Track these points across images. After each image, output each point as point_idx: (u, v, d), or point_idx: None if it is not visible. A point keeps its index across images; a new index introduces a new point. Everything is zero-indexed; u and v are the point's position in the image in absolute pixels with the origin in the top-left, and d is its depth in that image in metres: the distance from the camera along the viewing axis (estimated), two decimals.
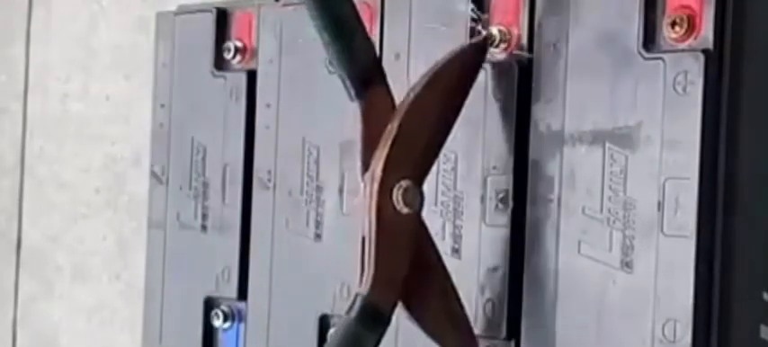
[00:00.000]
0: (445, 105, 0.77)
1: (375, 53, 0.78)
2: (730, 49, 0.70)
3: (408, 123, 0.75)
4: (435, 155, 0.77)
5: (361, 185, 0.76)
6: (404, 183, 0.75)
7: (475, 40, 0.78)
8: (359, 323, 0.74)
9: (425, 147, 0.76)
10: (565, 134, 0.76)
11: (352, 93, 0.76)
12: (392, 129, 0.75)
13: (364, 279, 0.74)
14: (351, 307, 0.74)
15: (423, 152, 0.76)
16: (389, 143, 0.75)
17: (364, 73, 0.76)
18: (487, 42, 0.78)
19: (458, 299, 0.77)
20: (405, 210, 0.75)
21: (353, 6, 0.76)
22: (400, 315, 0.78)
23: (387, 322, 0.74)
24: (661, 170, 0.71)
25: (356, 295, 0.74)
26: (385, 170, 0.74)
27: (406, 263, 0.75)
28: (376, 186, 0.74)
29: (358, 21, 0.76)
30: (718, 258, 0.70)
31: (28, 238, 1.37)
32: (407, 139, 0.75)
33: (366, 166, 0.76)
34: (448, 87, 0.77)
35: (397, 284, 0.75)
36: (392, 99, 0.77)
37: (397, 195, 0.74)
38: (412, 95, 0.76)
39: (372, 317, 0.74)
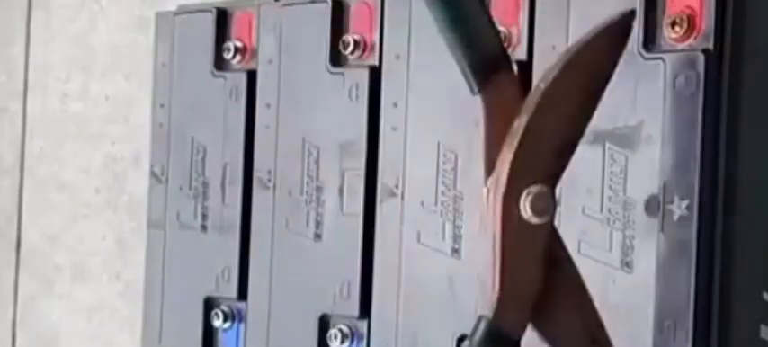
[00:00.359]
0: (584, 92, 0.66)
1: (499, 38, 0.68)
2: (730, 49, 0.70)
3: (540, 117, 0.65)
4: (571, 151, 0.67)
5: (484, 191, 0.67)
6: (534, 189, 0.65)
7: (622, 13, 0.67)
8: None
9: (560, 145, 0.66)
10: None
11: (474, 85, 0.67)
12: (520, 124, 0.65)
13: (489, 299, 0.66)
14: (474, 332, 0.66)
15: (557, 150, 0.66)
16: (517, 142, 0.65)
17: (487, 61, 0.67)
18: (634, 17, 0.67)
19: (597, 317, 0.68)
20: (534, 220, 0.65)
21: None
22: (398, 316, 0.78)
23: None
24: (661, 170, 0.71)
25: (480, 318, 0.66)
26: (512, 174, 0.65)
27: (538, 281, 0.66)
28: (501, 193, 0.65)
29: (478, 5, 0.67)
30: (718, 258, 0.70)
31: (28, 238, 1.37)
32: (538, 136, 0.65)
33: (490, 169, 0.66)
34: (588, 72, 0.66)
35: (526, 305, 0.66)
36: (520, 89, 0.67)
37: (525, 203, 0.65)
38: (544, 84, 0.66)
39: (498, 344, 0.66)
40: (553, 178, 0.66)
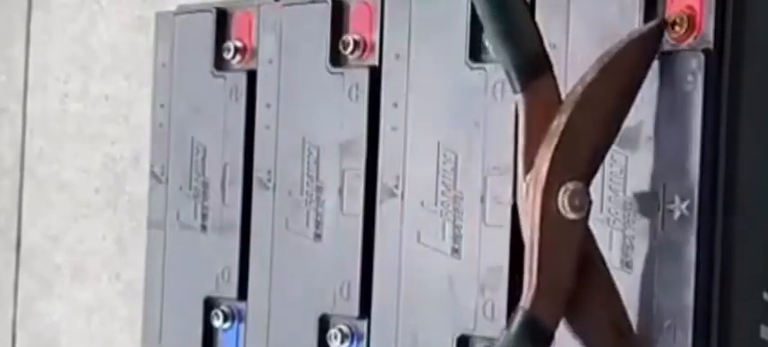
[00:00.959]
0: (618, 97, 0.70)
1: (542, 40, 0.71)
2: (730, 49, 0.70)
3: (577, 118, 0.69)
4: (605, 152, 0.71)
5: (523, 187, 0.70)
6: (571, 186, 0.68)
7: (652, 23, 0.72)
8: (519, 339, 0.68)
9: (596, 144, 0.70)
10: None
11: (517, 85, 0.70)
12: (559, 124, 0.69)
13: (526, 291, 0.69)
14: (510, 322, 0.69)
15: (593, 149, 0.70)
16: (556, 141, 0.68)
17: (530, 62, 0.70)
18: (664, 26, 0.72)
19: (624, 313, 0.71)
20: (571, 216, 0.68)
21: None
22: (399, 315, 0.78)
23: (549, 340, 0.69)
24: (661, 170, 0.71)
25: (517, 308, 0.69)
26: (551, 170, 0.68)
27: (572, 275, 0.69)
28: (541, 188, 0.68)
29: (523, 4, 0.71)
30: (718, 258, 0.70)
31: (28, 238, 1.37)
32: (576, 135, 0.69)
33: (528, 167, 0.70)
34: (622, 77, 0.70)
35: (561, 297, 0.69)
36: (558, 91, 0.71)
37: (563, 198, 0.68)
38: (581, 87, 0.69)
39: (534, 334, 0.68)
40: (588, 176, 0.69)
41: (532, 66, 0.70)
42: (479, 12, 0.71)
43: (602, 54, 0.70)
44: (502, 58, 0.71)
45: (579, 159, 0.69)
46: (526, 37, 0.70)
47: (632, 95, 0.71)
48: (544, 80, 0.70)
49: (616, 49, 0.70)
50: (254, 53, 0.94)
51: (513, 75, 0.70)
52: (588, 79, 0.69)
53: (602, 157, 0.71)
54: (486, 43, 0.79)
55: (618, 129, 0.71)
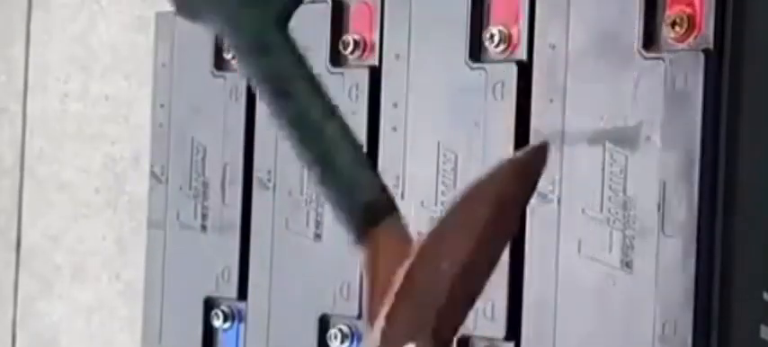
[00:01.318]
0: (483, 233, 0.59)
1: (380, 182, 0.62)
2: (730, 49, 0.70)
3: (424, 265, 0.58)
4: (469, 303, 0.60)
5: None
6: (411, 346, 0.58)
7: (535, 145, 0.65)
8: None
9: (450, 295, 0.59)
10: (565, 134, 0.76)
11: (353, 236, 0.61)
12: (399, 275, 0.58)
13: None
14: None
15: (446, 302, 0.59)
16: (393, 295, 0.58)
17: (365, 211, 0.61)
18: (548, 149, 0.61)
19: None
20: None
21: (342, 123, 0.63)
22: None
23: None
24: (661, 170, 0.71)
25: None
26: (389, 329, 0.58)
27: None
28: None
29: (353, 148, 0.62)
30: (718, 258, 0.70)
31: (28, 238, 1.37)
32: (423, 288, 0.58)
33: (372, 320, 0.59)
34: (491, 210, 0.59)
35: None
36: (405, 230, 0.61)
37: None
38: (434, 225, 0.59)
39: None
40: (442, 331, 0.59)
41: (369, 214, 0.60)
42: (308, 174, 0.63)
43: (468, 183, 0.60)
44: (336, 214, 0.61)
45: (425, 315, 0.58)
46: (359, 187, 0.61)
47: (505, 232, 0.60)
48: (386, 224, 0.60)
49: (485, 176, 0.60)
50: None
51: (349, 227, 0.61)
52: (444, 215, 0.59)
53: (466, 308, 0.60)
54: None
55: (488, 272, 0.60)
